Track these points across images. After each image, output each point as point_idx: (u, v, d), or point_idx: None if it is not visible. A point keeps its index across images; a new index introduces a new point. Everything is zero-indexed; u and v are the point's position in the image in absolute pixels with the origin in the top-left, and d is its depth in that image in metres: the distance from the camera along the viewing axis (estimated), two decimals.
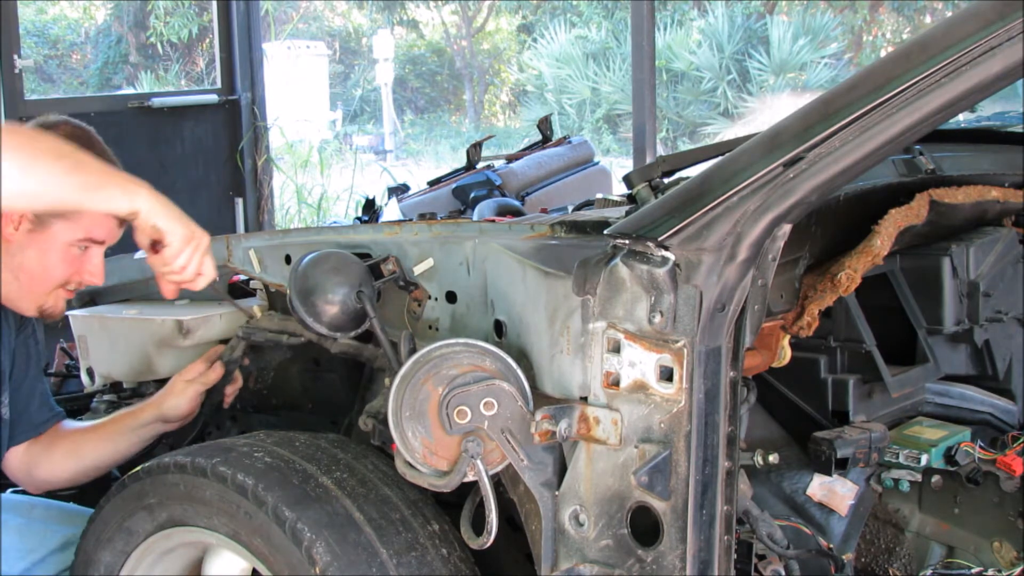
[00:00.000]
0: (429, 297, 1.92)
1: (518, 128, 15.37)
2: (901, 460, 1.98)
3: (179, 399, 2.22)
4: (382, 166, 9.84)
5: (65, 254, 2.01)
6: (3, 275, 1.99)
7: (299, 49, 13.98)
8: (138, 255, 2.59)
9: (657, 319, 1.50)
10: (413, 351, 1.71)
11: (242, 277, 2.40)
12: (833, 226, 1.88)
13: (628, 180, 1.74)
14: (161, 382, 2.42)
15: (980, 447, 1.96)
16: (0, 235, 1.96)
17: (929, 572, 1.96)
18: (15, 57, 4.79)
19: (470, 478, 1.65)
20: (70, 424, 2.31)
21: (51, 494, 2.36)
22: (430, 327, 1.92)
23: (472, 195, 4.29)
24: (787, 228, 1.50)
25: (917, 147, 2.09)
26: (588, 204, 2.38)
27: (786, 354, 1.84)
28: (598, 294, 1.57)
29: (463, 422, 1.62)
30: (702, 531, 1.51)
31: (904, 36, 13.69)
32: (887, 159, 2.02)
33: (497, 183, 4.39)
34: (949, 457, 1.98)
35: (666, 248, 1.49)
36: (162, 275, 1.84)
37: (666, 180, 1.71)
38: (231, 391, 2.29)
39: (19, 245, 1.96)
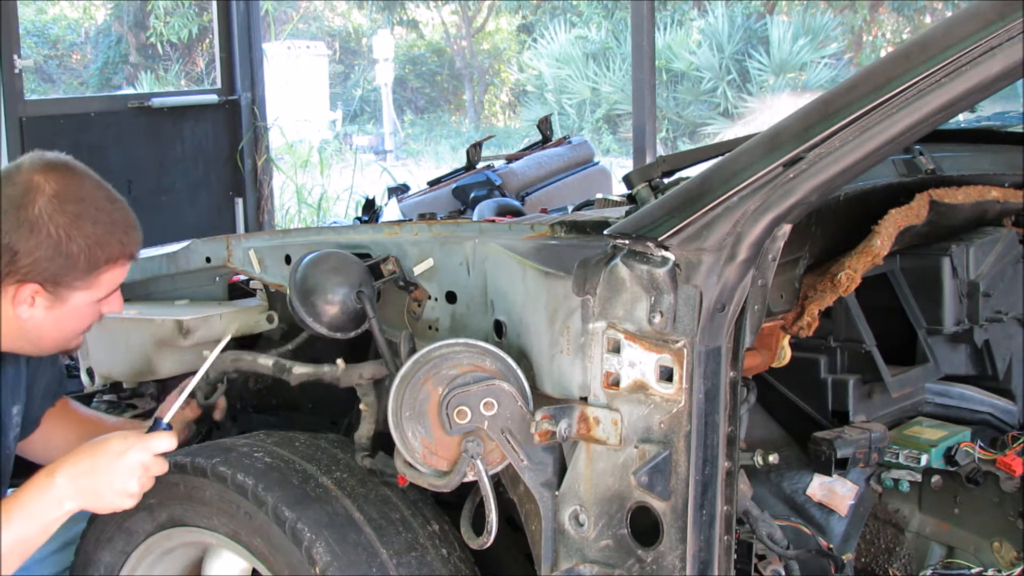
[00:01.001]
0: (429, 297, 1.93)
1: (518, 128, 15.37)
2: (901, 460, 1.98)
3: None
4: (382, 166, 9.84)
5: (88, 313, 1.94)
6: (19, 342, 1.91)
7: (299, 49, 13.98)
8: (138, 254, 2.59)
9: (657, 319, 1.50)
10: (413, 351, 1.72)
11: (242, 277, 2.40)
12: (833, 226, 1.88)
13: (628, 180, 1.74)
14: (161, 382, 2.42)
15: (980, 447, 1.96)
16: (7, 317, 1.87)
17: (929, 572, 1.96)
18: (15, 57, 4.79)
19: (470, 478, 1.65)
20: (79, 410, 2.28)
21: None
22: (430, 327, 1.92)
23: (472, 195, 4.29)
24: (787, 228, 1.50)
25: (917, 147, 2.09)
26: (588, 204, 2.38)
27: (786, 354, 1.84)
28: (598, 294, 1.57)
29: (463, 422, 1.62)
30: (702, 531, 1.51)
31: (904, 36, 13.69)
32: (887, 159, 2.02)
33: (497, 183, 4.39)
34: (949, 457, 1.98)
35: (666, 248, 1.49)
36: None
37: (666, 180, 1.71)
38: (219, 413, 2.27)
39: (37, 323, 1.87)
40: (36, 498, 1.79)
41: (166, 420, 1.90)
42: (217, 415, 2.27)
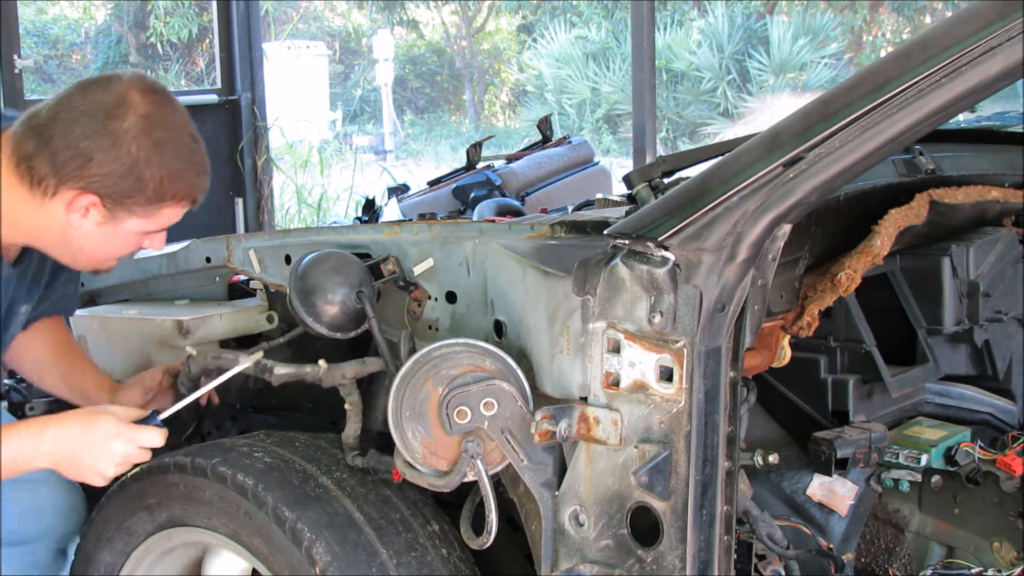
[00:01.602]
0: (429, 297, 1.92)
1: (518, 128, 15.37)
2: (901, 460, 1.98)
3: (126, 397, 2.18)
4: (382, 166, 9.84)
5: (133, 241, 1.91)
6: (59, 250, 1.90)
7: (299, 49, 13.98)
8: (138, 255, 2.59)
9: (657, 319, 1.50)
10: (413, 351, 1.72)
11: (242, 277, 2.40)
12: (833, 226, 1.88)
13: (628, 180, 1.74)
14: None
15: (980, 447, 1.96)
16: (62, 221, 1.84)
17: (929, 572, 1.96)
18: (15, 57, 4.79)
19: (470, 478, 1.65)
20: (71, 337, 2.29)
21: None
22: (430, 327, 1.92)
23: (472, 195, 4.29)
24: (787, 228, 1.50)
25: (917, 147, 2.09)
26: (588, 204, 2.38)
27: (786, 354, 1.84)
28: (598, 294, 1.57)
29: (463, 422, 1.62)
30: (702, 531, 1.51)
31: (904, 36, 13.69)
32: (887, 159, 2.02)
33: (497, 183, 4.39)
34: (949, 457, 1.98)
35: (666, 248, 1.49)
36: None
37: (666, 180, 1.71)
38: (206, 399, 2.27)
39: (83, 234, 1.83)
40: (19, 440, 1.80)
41: (162, 416, 1.90)
42: (203, 400, 2.27)
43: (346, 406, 1.96)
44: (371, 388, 2.09)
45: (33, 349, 2.21)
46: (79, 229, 1.83)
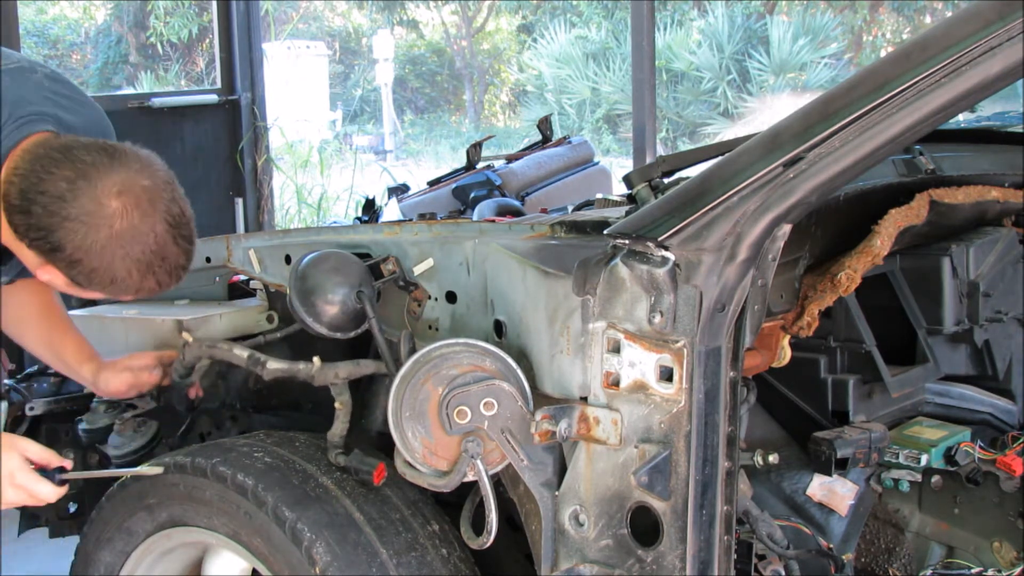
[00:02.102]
0: (429, 297, 1.92)
1: (518, 128, 15.37)
2: (901, 460, 1.98)
3: (112, 379, 2.20)
4: (382, 166, 9.84)
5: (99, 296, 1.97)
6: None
7: (299, 49, 13.98)
8: None
9: (657, 319, 1.50)
10: (413, 351, 1.72)
11: (242, 277, 2.40)
12: (833, 226, 1.88)
13: (628, 180, 1.74)
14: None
15: (980, 447, 1.96)
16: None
17: (929, 572, 1.96)
18: None
19: (470, 478, 1.65)
20: (46, 291, 2.26)
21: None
22: (430, 327, 1.92)
23: (472, 195, 4.29)
24: (787, 228, 1.50)
25: (917, 147, 2.09)
26: (588, 204, 2.38)
27: (786, 354, 1.84)
28: (598, 294, 1.57)
29: (463, 422, 1.62)
30: (702, 531, 1.51)
31: (904, 36, 13.69)
32: (887, 159, 2.02)
33: (497, 183, 4.39)
34: (949, 457, 1.98)
35: (666, 248, 1.49)
36: None
37: (666, 180, 1.71)
38: (194, 391, 2.27)
39: (53, 284, 1.90)
40: None
41: (64, 476, 1.89)
42: (192, 393, 2.27)
43: (336, 405, 1.96)
44: (371, 388, 2.09)
45: (14, 306, 2.19)
46: (49, 281, 1.86)
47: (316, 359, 1.94)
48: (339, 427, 1.96)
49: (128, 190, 1.80)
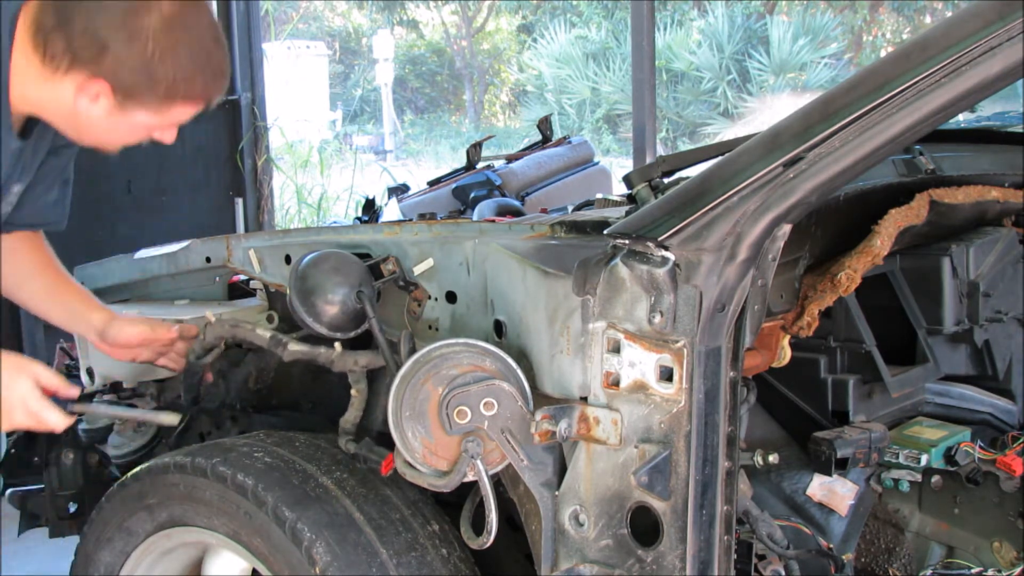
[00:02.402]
0: (429, 297, 1.93)
1: (518, 128, 15.38)
2: (901, 460, 1.98)
3: (126, 327, 2.14)
4: (382, 166, 9.84)
5: (141, 133, 1.88)
6: (64, 125, 1.86)
7: (299, 49, 13.99)
8: (138, 255, 2.59)
9: (657, 319, 1.50)
10: (413, 351, 1.72)
11: (242, 277, 2.40)
12: (833, 226, 1.88)
13: (628, 180, 1.74)
14: (160, 382, 2.42)
15: (980, 447, 1.96)
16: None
17: (929, 572, 1.96)
18: None
19: (470, 478, 1.65)
20: (44, 248, 2.20)
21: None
22: (430, 327, 1.92)
23: (472, 195, 4.29)
24: (787, 228, 1.50)
25: (917, 147, 2.09)
26: (588, 204, 2.38)
27: (786, 354, 1.84)
28: (598, 294, 1.57)
29: (463, 422, 1.62)
30: (702, 531, 1.51)
31: (904, 36, 13.70)
32: (887, 159, 2.02)
33: (497, 183, 4.39)
34: (949, 457, 1.98)
35: (666, 248, 1.49)
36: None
37: (666, 180, 1.71)
38: (209, 376, 2.27)
39: (90, 118, 1.81)
40: None
41: (75, 407, 1.87)
42: (209, 377, 2.27)
43: (352, 392, 1.96)
44: (372, 387, 2.09)
45: (12, 262, 2.12)
46: (86, 113, 1.80)
47: (338, 345, 1.94)
48: (352, 414, 1.97)
49: None
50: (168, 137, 1.91)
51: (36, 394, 1.82)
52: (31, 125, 1.88)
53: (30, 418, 1.83)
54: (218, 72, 1.85)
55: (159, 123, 1.86)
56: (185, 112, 1.86)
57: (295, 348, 2.00)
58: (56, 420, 1.84)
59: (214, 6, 5.82)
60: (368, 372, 1.99)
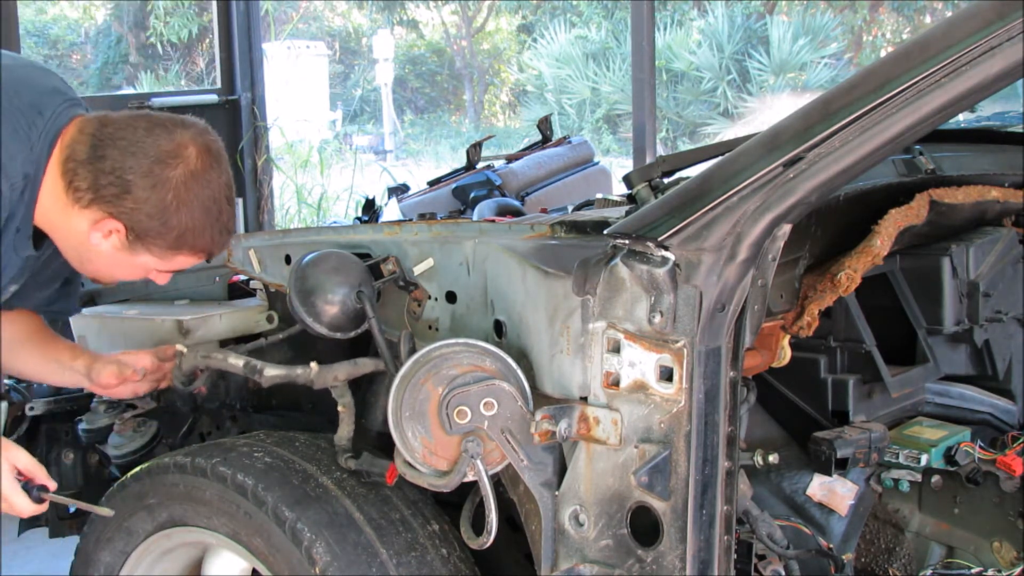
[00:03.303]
0: (429, 297, 1.92)
1: (518, 128, 15.37)
2: (901, 460, 1.98)
3: (102, 370, 2.17)
4: (382, 166, 9.83)
5: (139, 271, 1.97)
6: (70, 251, 1.95)
7: (299, 49, 13.98)
8: None
9: (657, 319, 1.50)
10: (413, 351, 1.71)
11: (242, 277, 2.40)
12: (833, 226, 1.88)
13: (628, 180, 1.74)
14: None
15: (980, 447, 1.96)
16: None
17: (929, 572, 1.96)
18: None
19: (470, 478, 1.65)
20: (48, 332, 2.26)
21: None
22: (430, 327, 1.92)
23: (472, 195, 4.29)
24: (787, 228, 1.50)
25: (917, 147, 2.09)
26: (588, 204, 2.38)
27: (786, 354, 1.84)
28: (598, 294, 1.57)
29: (463, 422, 1.62)
30: (702, 531, 1.51)
31: (904, 36, 13.70)
32: (887, 159, 2.02)
33: (497, 183, 4.38)
34: (949, 457, 1.98)
35: (666, 248, 1.49)
36: None
37: (666, 180, 1.71)
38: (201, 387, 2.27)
39: (98, 252, 1.90)
40: None
41: (45, 495, 1.88)
42: (203, 390, 2.28)
43: (339, 408, 1.95)
44: (371, 388, 2.09)
45: (6, 335, 2.16)
46: (96, 247, 1.89)
47: (313, 364, 1.93)
48: (345, 430, 1.95)
49: (202, 141, 1.89)
50: (162, 280, 2.00)
51: (10, 478, 1.86)
52: (41, 236, 1.96)
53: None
54: (225, 229, 1.95)
55: (161, 267, 1.95)
56: (187, 261, 1.95)
57: (271, 373, 1.96)
58: (24, 506, 1.87)
59: (214, 6, 5.83)
60: (364, 376, 1.99)
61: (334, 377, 1.92)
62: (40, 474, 1.89)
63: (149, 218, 1.84)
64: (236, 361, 2.01)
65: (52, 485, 1.90)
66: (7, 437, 2.39)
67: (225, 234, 1.95)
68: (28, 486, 1.86)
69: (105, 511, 1.99)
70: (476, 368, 1.64)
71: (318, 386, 1.94)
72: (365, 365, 1.94)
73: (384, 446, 1.90)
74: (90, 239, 1.87)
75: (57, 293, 2.20)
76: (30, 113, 1.84)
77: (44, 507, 1.90)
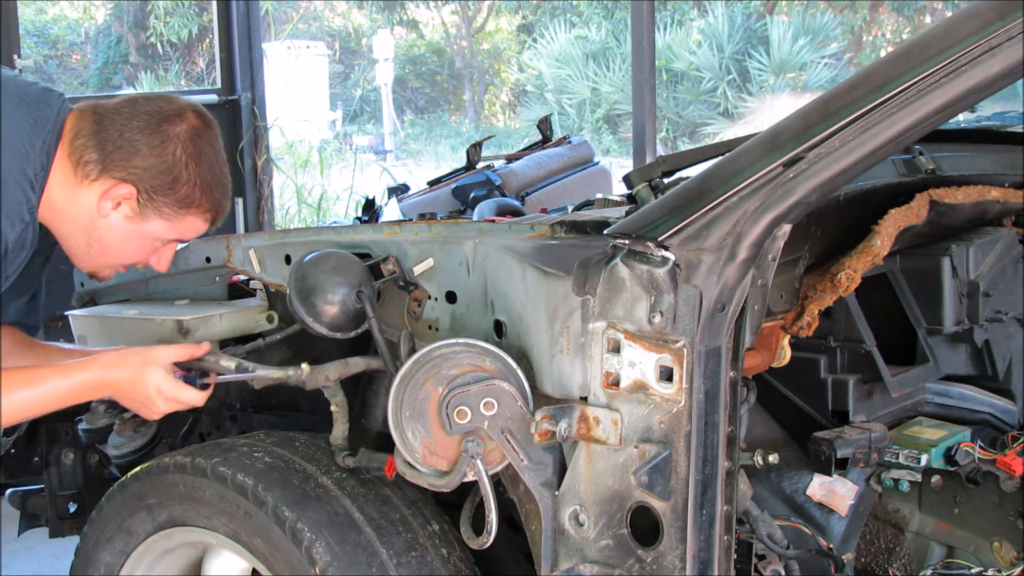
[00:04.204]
0: (429, 297, 1.93)
1: (518, 128, 15.38)
2: (901, 460, 1.98)
3: None
4: (382, 166, 9.83)
5: (147, 245, 1.99)
6: (77, 236, 1.96)
7: (299, 49, 13.98)
8: None
9: (657, 319, 1.50)
10: (413, 351, 1.72)
11: (242, 277, 2.40)
12: (833, 226, 1.88)
13: (628, 180, 1.74)
14: None
15: (980, 447, 1.96)
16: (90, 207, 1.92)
17: (929, 572, 1.96)
18: (15, 57, 4.79)
19: (470, 478, 1.65)
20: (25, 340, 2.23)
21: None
22: (430, 327, 1.92)
23: (472, 195, 4.29)
24: (787, 228, 1.50)
25: (917, 147, 2.09)
26: (588, 204, 2.38)
27: (786, 354, 1.85)
28: (598, 294, 1.57)
29: (463, 422, 1.62)
30: (702, 531, 1.51)
31: (904, 36, 13.70)
32: (887, 159, 2.02)
33: (497, 183, 4.39)
34: (949, 457, 1.98)
35: (666, 248, 1.49)
36: None
37: (666, 180, 1.71)
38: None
39: (108, 225, 1.92)
40: (82, 375, 1.90)
41: (208, 380, 1.93)
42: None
43: (332, 408, 1.96)
44: (371, 388, 2.09)
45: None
46: (106, 219, 1.91)
47: (305, 364, 1.93)
48: (339, 429, 1.96)
49: (197, 108, 1.99)
50: (164, 262, 2.04)
51: (168, 380, 1.89)
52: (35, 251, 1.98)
53: (170, 404, 1.90)
54: (227, 190, 2.01)
55: (169, 234, 1.97)
56: (195, 225, 1.98)
57: (263, 375, 1.97)
58: (193, 398, 1.91)
59: (214, 6, 5.83)
60: (368, 374, 1.99)
61: (325, 377, 1.92)
62: (192, 350, 1.93)
63: (160, 174, 1.88)
64: (228, 363, 2.00)
65: (204, 350, 1.95)
66: (7, 437, 2.39)
67: (227, 195, 2.00)
68: (189, 378, 1.91)
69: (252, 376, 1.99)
70: (476, 368, 1.64)
71: (310, 387, 1.94)
72: (356, 365, 1.94)
73: (384, 446, 1.90)
74: (100, 211, 1.89)
75: (27, 307, 2.20)
76: (40, 105, 1.88)
77: (210, 391, 1.94)
